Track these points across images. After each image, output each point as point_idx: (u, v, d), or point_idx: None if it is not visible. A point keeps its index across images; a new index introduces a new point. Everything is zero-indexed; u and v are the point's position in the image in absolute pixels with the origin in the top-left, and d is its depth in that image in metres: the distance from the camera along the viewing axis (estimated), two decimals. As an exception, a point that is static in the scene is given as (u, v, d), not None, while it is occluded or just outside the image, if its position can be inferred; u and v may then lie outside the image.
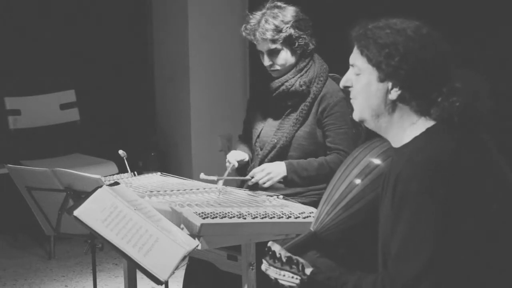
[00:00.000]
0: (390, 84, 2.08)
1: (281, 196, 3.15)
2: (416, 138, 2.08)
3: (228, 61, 5.90)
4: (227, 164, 3.40)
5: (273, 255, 2.12)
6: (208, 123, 5.89)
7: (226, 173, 3.33)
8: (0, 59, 5.69)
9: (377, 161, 2.34)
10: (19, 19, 5.77)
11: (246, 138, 3.61)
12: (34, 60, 5.82)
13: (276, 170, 3.30)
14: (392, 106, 2.10)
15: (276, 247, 2.14)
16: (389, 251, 2.03)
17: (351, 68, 2.17)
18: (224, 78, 5.91)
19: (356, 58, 2.14)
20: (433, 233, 1.95)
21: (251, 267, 2.91)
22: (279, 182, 3.32)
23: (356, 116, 2.18)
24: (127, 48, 6.10)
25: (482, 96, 2.13)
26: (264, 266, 2.15)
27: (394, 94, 2.08)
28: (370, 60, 2.09)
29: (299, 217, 2.86)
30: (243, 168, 3.50)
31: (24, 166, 3.24)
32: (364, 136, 3.46)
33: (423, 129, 2.08)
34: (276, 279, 2.13)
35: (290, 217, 2.85)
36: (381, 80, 2.09)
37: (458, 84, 2.07)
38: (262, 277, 2.38)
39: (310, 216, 2.86)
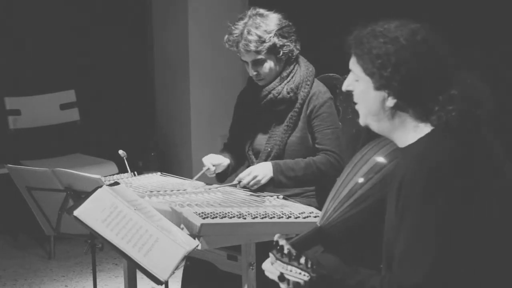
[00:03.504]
0: (385, 93, 2.08)
1: (281, 196, 3.15)
2: (420, 139, 2.07)
3: (228, 62, 5.89)
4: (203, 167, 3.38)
5: (280, 249, 2.11)
6: (208, 123, 5.89)
7: (198, 175, 3.34)
8: (0, 59, 5.69)
9: (385, 160, 2.34)
10: (19, 19, 5.77)
11: (233, 146, 3.56)
12: (34, 60, 5.82)
13: (262, 172, 3.25)
14: (391, 112, 2.10)
15: (283, 242, 2.13)
16: (393, 253, 2.03)
17: (351, 73, 2.17)
18: (224, 79, 5.91)
19: (354, 65, 2.14)
20: (437, 236, 1.95)
21: (251, 267, 2.91)
22: (266, 184, 3.27)
23: (361, 121, 2.18)
24: (127, 48, 6.10)
25: (483, 100, 2.11)
26: (271, 259, 2.14)
27: (391, 102, 2.08)
28: (364, 70, 2.10)
29: (299, 217, 2.86)
30: (223, 173, 3.45)
31: (24, 166, 3.24)
32: (364, 135, 3.44)
33: (428, 131, 2.08)
34: (282, 273, 2.12)
35: (290, 217, 2.85)
36: (377, 88, 2.09)
37: (455, 91, 2.06)
38: (262, 277, 2.38)
39: (310, 216, 2.86)
